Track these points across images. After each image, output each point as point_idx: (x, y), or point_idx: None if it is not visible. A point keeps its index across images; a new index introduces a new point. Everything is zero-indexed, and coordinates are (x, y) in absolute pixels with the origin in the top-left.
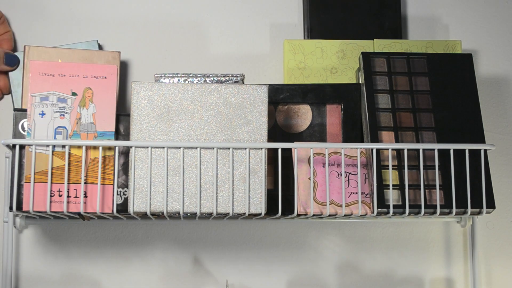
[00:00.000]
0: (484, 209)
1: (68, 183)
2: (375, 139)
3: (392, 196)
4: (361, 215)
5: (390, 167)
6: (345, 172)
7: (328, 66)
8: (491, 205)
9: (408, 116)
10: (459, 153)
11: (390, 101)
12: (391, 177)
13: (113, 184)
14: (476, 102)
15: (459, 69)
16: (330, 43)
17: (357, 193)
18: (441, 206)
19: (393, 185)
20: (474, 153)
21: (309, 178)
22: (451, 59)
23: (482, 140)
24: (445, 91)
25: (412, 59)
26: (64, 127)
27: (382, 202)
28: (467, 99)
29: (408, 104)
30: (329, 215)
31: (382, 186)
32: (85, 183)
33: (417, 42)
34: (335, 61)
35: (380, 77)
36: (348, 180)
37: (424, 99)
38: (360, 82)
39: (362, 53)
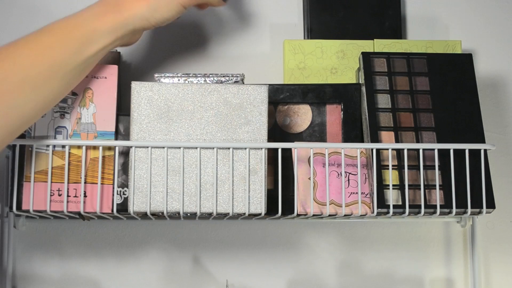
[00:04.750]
0: (484, 209)
1: (68, 183)
2: (375, 139)
3: (392, 196)
4: (361, 215)
5: (390, 167)
6: (345, 172)
7: (328, 66)
8: (491, 205)
9: (408, 116)
10: (459, 153)
11: (390, 101)
12: (391, 177)
13: (113, 184)
14: (476, 102)
15: (459, 69)
16: (330, 43)
17: (357, 193)
18: (441, 206)
19: (393, 185)
20: (474, 153)
21: (309, 178)
22: (451, 59)
23: (482, 140)
24: (445, 91)
25: (412, 59)
26: (64, 127)
27: (382, 202)
28: (467, 99)
29: (408, 104)
30: (329, 215)
31: (382, 186)
32: (84, 182)
33: (417, 42)
34: (335, 61)
35: (380, 77)
36: (348, 180)
37: (424, 99)
38: (360, 82)
39: (362, 53)
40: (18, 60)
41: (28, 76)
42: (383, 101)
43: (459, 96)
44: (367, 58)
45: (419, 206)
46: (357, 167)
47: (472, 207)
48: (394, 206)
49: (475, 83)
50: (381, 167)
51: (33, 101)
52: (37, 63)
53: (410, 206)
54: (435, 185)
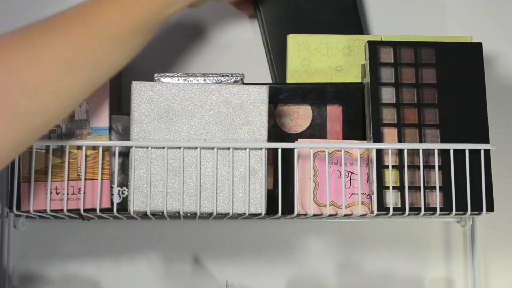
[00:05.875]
0: (484, 211)
1: (67, 181)
2: (378, 135)
3: (392, 197)
4: (361, 215)
5: (390, 167)
6: (347, 171)
7: (333, 64)
8: (490, 208)
9: (412, 111)
10: (461, 152)
11: (394, 95)
12: (391, 178)
13: (111, 182)
14: (483, 94)
15: (468, 59)
16: (336, 39)
17: (357, 193)
18: (441, 209)
19: (393, 186)
20: (476, 153)
21: (310, 178)
22: (459, 49)
23: (486, 138)
24: (451, 83)
25: (419, 49)
26: (58, 125)
27: (381, 204)
28: (474, 91)
29: (413, 99)
30: (329, 215)
31: (381, 187)
32: (80, 179)
33: (426, 38)
34: (341, 58)
35: (386, 68)
36: (350, 180)
37: (429, 93)
38: (364, 76)
39: (368, 42)
40: (110, 15)
41: (117, 31)
42: (388, 95)
43: (465, 89)
44: (373, 47)
45: (418, 209)
46: (359, 165)
47: (471, 210)
48: (394, 209)
49: (483, 74)
50: (382, 167)
51: (118, 56)
52: (126, 19)
53: (409, 209)
54: (435, 186)
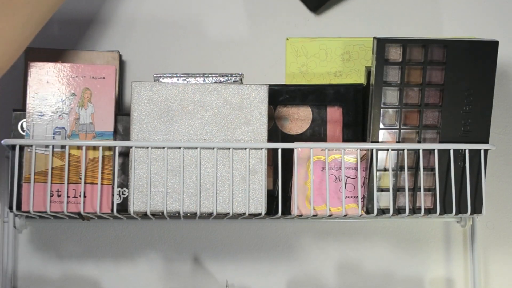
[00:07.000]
0: (484, 212)
1: (68, 183)
2: (378, 137)
3: (390, 198)
4: (360, 215)
5: (390, 168)
6: (344, 176)
7: (332, 69)
8: (479, 209)
9: (414, 114)
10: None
11: (398, 97)
12: (391, 178)
13: (113, 184)
14: (490, 95)
15: (480, 58)
16: (335, 44)
17: (352, 197)
18: (434, 210)
19: (388, 189)
20: (475, 153)
21: (308, 180)
22: (473, 47)
23: (486, 139)
24: (460, 84)
25: (430, 47)
26: (63, 128)
27: (374, 206)
28: (482, 92)
29: (417, 101)
30: (328, 216)
31: (378, 189)
32: (84, 183)
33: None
34: (340, 63)
35: (392, 70)
36: (345, 183)
37: (434, 94)
38: (368, 77)
39: (377, 39)
40: None
41: None
42: (391, 97)
43: (473, 89)
44: (382, 45)
45: (414, 211)
46: (354, 169)
47: (463, 211)
48: (389, 210)
49: (494, 73)
50: (377, 169)
51: None
52: None
53: (404, 210)
54: (433, 188)
